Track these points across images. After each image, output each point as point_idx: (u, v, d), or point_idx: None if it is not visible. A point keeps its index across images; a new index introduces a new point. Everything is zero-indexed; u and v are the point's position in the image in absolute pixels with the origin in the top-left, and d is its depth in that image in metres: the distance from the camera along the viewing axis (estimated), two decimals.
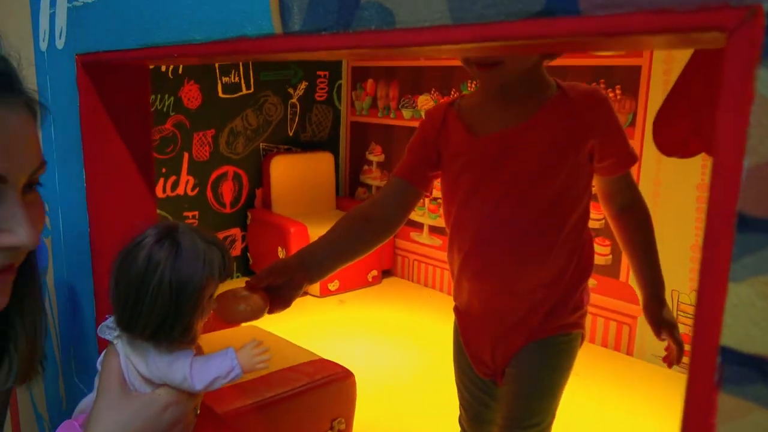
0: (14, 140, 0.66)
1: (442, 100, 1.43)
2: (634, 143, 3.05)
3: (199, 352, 0.98)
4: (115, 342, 0.94)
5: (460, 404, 1.62)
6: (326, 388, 1.85)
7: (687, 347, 1.44)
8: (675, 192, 2.93)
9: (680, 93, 0.70)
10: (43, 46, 1.33)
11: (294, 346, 2.19)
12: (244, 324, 2.48)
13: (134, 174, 1.31)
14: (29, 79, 1.39)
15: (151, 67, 1.32)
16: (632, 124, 3.05)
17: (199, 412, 1.03)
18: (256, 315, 1.16)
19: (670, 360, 1.43)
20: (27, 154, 0.69)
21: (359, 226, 1.36)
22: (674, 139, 0.71)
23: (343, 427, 1.90)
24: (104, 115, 1.24)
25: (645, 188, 3.02)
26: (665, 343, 1.47)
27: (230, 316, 1.12)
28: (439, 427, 2.51)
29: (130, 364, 0.92)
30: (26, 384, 0.93)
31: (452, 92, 3.91)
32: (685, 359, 1.87)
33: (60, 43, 1.25)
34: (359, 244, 1.36)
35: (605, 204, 1.42)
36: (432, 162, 1.36)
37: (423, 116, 1.43)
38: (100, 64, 1.20)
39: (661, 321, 1.41)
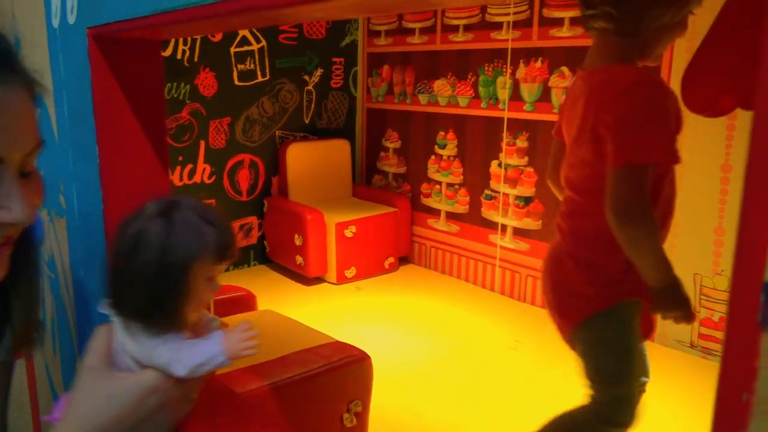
0: (11, 120, 0.65)
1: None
2: None
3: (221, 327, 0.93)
4: (114, 320, 0.89)
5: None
6: (343, 371, 1.84)
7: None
8: (698, 173, 2.87)
9: (713, 43, 0.67)
10: (55, 22, 1.32)
11: (310, 329, 2.18)
12: (260, 308, 2.46)
13: (148, 151, 1.30)
14: (41, 56, 1.38)
15: (167, 54, 1.30)
16: None
17: (195, 399, 0.96)
18: None
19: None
20: (24, 135, 0.68)
21: None
22: (705, 95, 0.67)
23: (360, 409, 1.89)
24: (117, 91, 1.22)
25: None
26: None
27: None
28: (454, 412, 2.50)
29: (124, 343, 0.87)
30: (27, 355, 0.92)
31: (469, 76, 3.86)
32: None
33: (71, 18, 1.24)
34: None
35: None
36: None
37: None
38: (111, 39, 1.19)
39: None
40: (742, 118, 2.70)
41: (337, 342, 1.99)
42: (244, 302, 2.38)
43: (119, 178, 1.28)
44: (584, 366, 1.56)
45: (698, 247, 2.90)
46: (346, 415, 1.84)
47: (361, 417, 1.89)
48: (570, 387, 2.68)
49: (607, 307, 1.48)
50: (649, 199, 1.31)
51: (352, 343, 2.01)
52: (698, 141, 2.85)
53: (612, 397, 1.54)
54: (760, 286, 0.35)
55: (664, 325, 3.03)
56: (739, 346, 0.36)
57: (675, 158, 1.31)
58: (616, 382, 1.53)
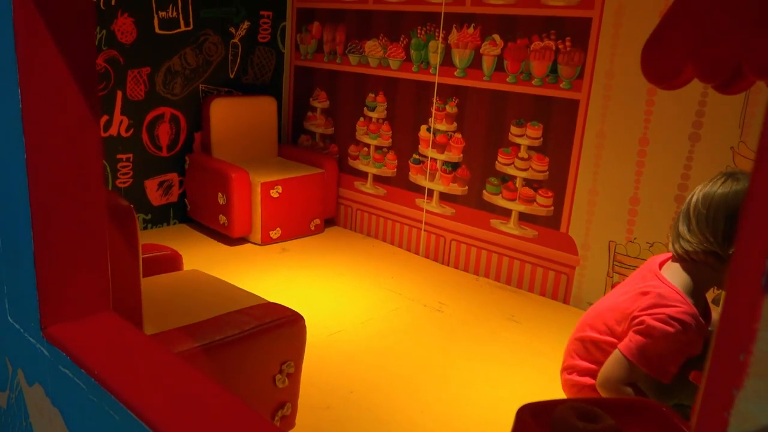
0: None
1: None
2: (581, 96, 3.09)
3: None
4: None
5: None
6: (276, 332, 1.82)
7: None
8: (617, 145, 3.00)
9: (677, 14, 0.69)
10: None
11: (240, 290, 2.14)
12: (186, 268, 2.39)
13: (76, 93, 1.20)
14: None
15: None
16: (580, 76, 3.07)
17: None
18: None
19: None
20: None
21: None
22: (666, 66, 0.70)
23: (292, 370, 1.88)
24: (41, 25, 1.12)
25: (589, 140, 3.08)
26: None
27: None
28: (383, 371, 2.54)
29: None
30: None
31: (401, 38, 3.83)
32: None
33: None
34: None
35: None
36: None
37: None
38: None
39: None
40: (661, 94, 2.83)
41: (269, 303, 1.96)
42: (170, 261, 2.30)
43: (45, 122, 1.18)
44: None
45: (614, 215, 3.05)
46: (278, 376, 1.83)
47: (293, 378, 1.89)
48: (491, 345, 2.79)
49: None
50: (621, 384, 1.60)
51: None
52: (618, 114, 2.98)
53: None
54: (765, 250, 0.36)
55: (579, 288, 3.19)
56: (741, 308, 0.37)
57: (664, 377, 1.56)
58: None
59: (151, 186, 4.03)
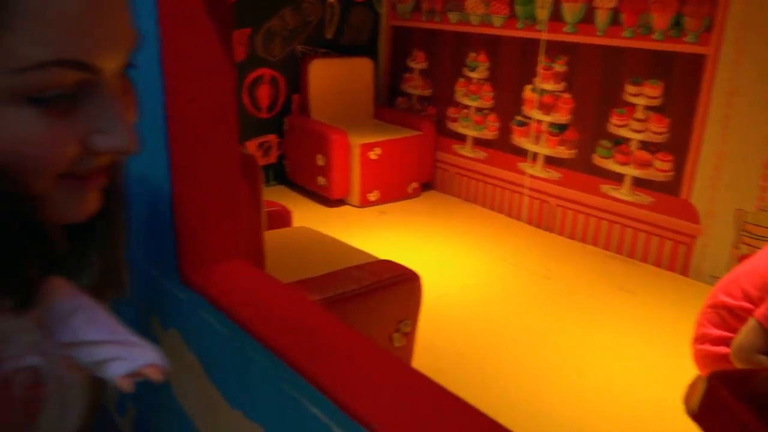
0: (107, 17, 0.48)
1: None
2: (709, 50, 2.83)
3: None
4: None
5: None
6: (393, 288, 1.77)
7: None
8: (751, 104, 2.73)
9: None
10: None
11: (352, 247, 2.11)
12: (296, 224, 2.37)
13: (214, 41, 1.17)
14: None
15: None
16: (709, 29, 2.81)
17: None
18: None
19: None
20: (122, 32, 0.50)
21: None
22: None
23: (408, 330, 1.83)
24: None
25: (717, 100, 2.83)
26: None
27: None
28: (489, 337, 2.46)
29: None
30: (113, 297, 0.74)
31: None
32: None
33: None
34: None
35: None
36: None
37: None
38: None
39: None
40: None
41: (385, 260, 1.91)
42: (279, 218, 2.29)
43: (183, 68, 1.15)
44: None
45: (743, 181, 2.80)
46: (395, 335, 1.79)
47: (410, 337, 1.84)
48: (604, 315, 2.65)
49: None
50: (757, 353, 1.46)
51: None
52: (753, 70, 2.71)
53: None
54: None
55: (700, 259, 2.97)
56: None
57: None
58: None
59: (251, 147, 4.08)
